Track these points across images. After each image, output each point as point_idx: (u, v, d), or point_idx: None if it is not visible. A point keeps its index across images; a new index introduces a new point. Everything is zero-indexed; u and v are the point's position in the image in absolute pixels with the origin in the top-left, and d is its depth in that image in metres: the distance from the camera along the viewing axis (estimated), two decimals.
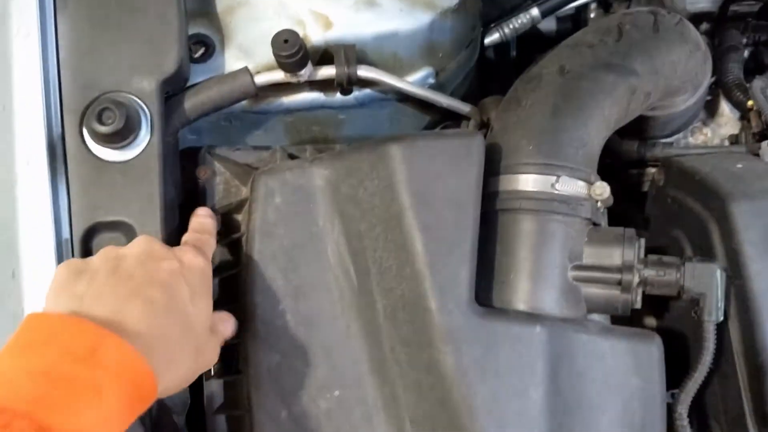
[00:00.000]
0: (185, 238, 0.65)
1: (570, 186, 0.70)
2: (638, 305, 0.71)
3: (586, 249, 0.70)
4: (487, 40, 1.09)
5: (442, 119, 0.88)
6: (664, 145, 0.98)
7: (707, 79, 0.88)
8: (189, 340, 0.55)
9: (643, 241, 0.72)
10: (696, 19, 1.09)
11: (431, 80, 0.82)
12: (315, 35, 0.74)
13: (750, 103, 0.92)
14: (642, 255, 0.71)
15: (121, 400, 0.47)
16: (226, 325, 0.64)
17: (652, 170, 1.03)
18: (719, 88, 0.99)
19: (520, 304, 0.68)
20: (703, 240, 0.82)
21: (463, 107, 0.82)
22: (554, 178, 0.70)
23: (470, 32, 0.85)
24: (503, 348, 0.63)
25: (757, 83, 0.87)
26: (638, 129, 0.98)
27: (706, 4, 1.16)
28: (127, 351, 0.47)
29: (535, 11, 1.10)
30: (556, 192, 0.70)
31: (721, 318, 0.70)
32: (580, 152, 0.71)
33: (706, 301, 0.69)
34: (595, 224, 0.73)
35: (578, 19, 1.21)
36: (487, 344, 0.63)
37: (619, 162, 1.05)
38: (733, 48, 0.99)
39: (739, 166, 0.84)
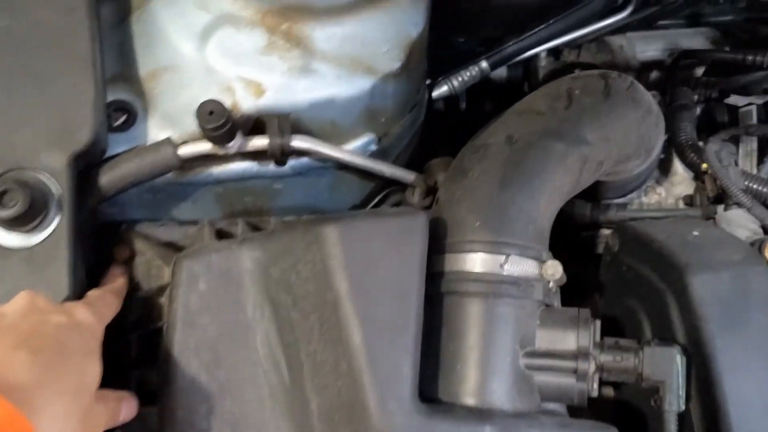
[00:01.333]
0: (88, 293, 0.61)
1: (520, 266, 0.65)
2: (595, 393, 0.66)
3: (539, 333, 0.66)
4: (436, 93, 1.05)
5: (387, 185, 0.83)
6: (617, 208, 0.94)
7: (660, 141, 0.85)
8: (77, 400, 0.51)
9: (598, 323, 0.68)
10: (646, 67, 1.07)
11: (373, 147, 0.77)
12: (246, 103, 0.69)
13: (704, 165, 0.89)
14: (598, 338, 0.67)
15: None
16: (123, 406, 0.58)
17: (606, 232, 0.99)
18: (672, 147, 0.96)
19: (469, 397, 0.63)
20: (660, 313, 0.79)
21: (407, 175, 0.77)
22: (503, 257, 0.65)
23: (414, 95, 0.81)
24: None
25: (711, 146, 0.85)
26: (590, 192, 0.95)
27: (656, 52, 1.15)
28: (5, 407, 0.43)
29: (484, 63, 1.08)
30: (505, 273, 0.65)
31: (683, 407, 0.65)
32: (530, 228, 0.67)
33: (666, 389, 0.65)
34: (547, 305, 0.68)
35: (529, 66, 1.20)
36: None
37: (571, 224, 1.02)
38: (685, 106, 0.97)
39: (696, 233, 0.81)
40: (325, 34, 0.70)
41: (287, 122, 0.68)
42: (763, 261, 0.77)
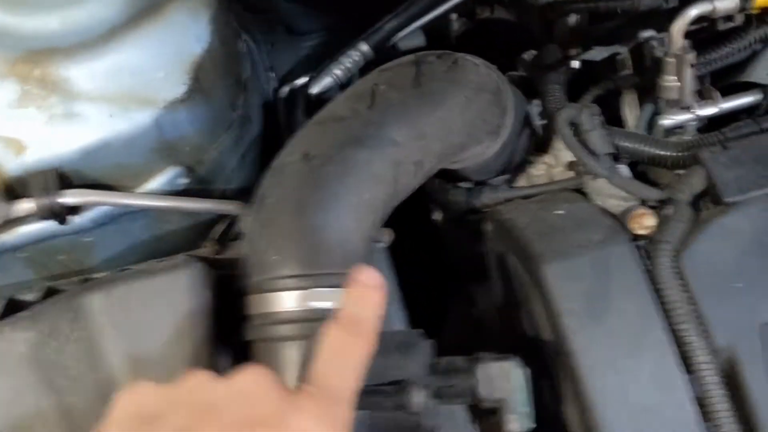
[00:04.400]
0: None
1: (324, 298, 0.60)
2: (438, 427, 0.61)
3: None
4: (317, 89, 1.00)
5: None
6: (491, 189, 0.89)
7: (511, 118, 0.79)
8: None
9: (428, 345, 0.62)
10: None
11: (181, 180, 0.71)
12: (7, 164, 0.64)
13: None
14: (431, 360, 0.62)
15: None
16: None
17: None
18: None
19: None
20: (528, 307, 0.74)
21: (224, 206, 0.72)
22: (309, 292, 0.60)
23: (226, 113, 0.75)
24: None
25: (563, 114, 0.79)
26: (461, 178, 0.90)
27: None
28: None
29: (364, 46, 1.02)
30: (314, 308, 0.60)
31: (529, 426, 0.60)
32: (338, 252, 0.62)
33: (505, 409, 0.60)
34: None
35: (442, 32, 1.13)
36: None
37: (450, 213, 0.97)
38: (551, 67, 0.90)
39: (561, 212, 0.76)
40: (85, 73, 0.64)
41: (53, 178, 0.63)
42: (624, 238, 0.72)
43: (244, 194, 0.73)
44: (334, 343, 0.50)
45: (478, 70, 0.74)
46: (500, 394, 0.61)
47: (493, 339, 0.95)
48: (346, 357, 0.49)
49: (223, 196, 0.81)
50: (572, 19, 0.97)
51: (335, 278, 0.61)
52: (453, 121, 0.70)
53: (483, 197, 0.90)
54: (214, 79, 0.72)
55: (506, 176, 0.95)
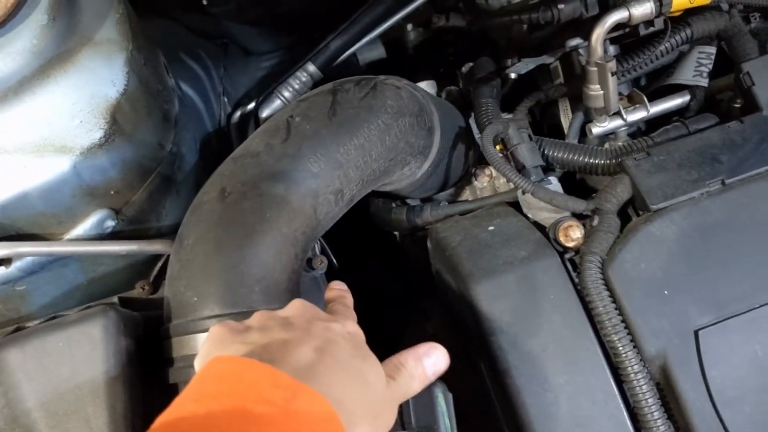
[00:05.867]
0: (334, 306, 0.61)
1: None
2: None
3: None
4: (267, 112, 1.01)
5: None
6: (432, 207, 0.90)
7: (437, 137, 0.80)
8: (368, 403, 0.50)
9: None
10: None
11: (110, 222, 0.72)
12: None
13: (498, 147, 0.84)
14: None
15: None
16: (433, 358, 0.56)
17: None
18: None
19: None
20: (462, 327, 0.75)
21: (152, 247, 0.72)
22: None
23: (155, 150, 0.76)
24: None
25: (489, 131, 0.79)
26: (400, 198, 0.91)
27: None
28: (323, 404, 0.45)
29: (311, 67, 1.03)
30: None
31: None
32: (257, 289, 0.63)
33: None
34: None
35: (398, 42, 1.14)
36: None
37: (395, 231, 0.97)
38: (483, 80, 0.91)
39: (491, 228, 0.76)
40: None
41: None
42: (551, 252, 0.72)
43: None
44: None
45: (398, 93, 0.75)
46: (428, 421, 0.61)
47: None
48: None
49: (157, 232, 0.81)
50: (513, 29, 0.97)
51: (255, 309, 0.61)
52: (371, 147, 0.70)
53: (423, 215, 0.91)
54: (136, 119, 0.73)
55: (450, 191, 0.96)
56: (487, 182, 0.97)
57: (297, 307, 0.56)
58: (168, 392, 0.62)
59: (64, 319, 0.59)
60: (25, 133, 0.66)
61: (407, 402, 0.61)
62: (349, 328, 0.56)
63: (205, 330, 0.60)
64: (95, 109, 0.69)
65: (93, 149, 0.69)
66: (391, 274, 1.12)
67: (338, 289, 0.65)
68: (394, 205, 0.94)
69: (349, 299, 0.64)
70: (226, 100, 1.10)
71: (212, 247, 0.63)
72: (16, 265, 0.71)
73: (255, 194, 0.65)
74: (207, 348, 0.51)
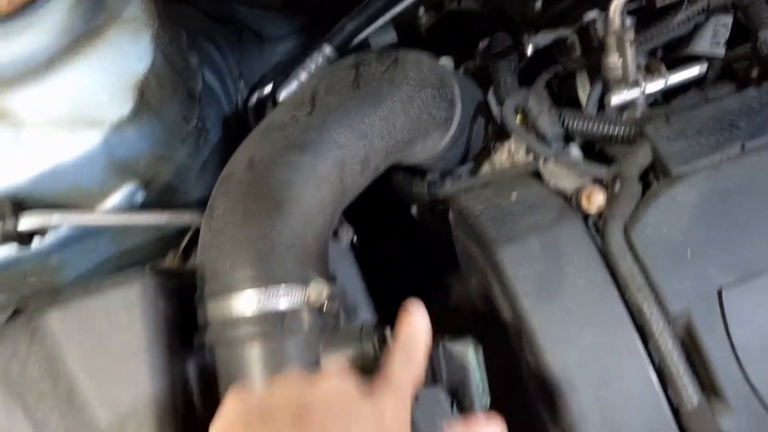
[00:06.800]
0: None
1: (278, 299, 0.62)
2: None
3: (324, 360, 0.63)
4: (284, 94, 1.02)
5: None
6: (453, 180, 0.91)
7: (459, 110, 0.81)
8: None
9: (388, 330, 0.64)
10: None
11: (140, 196, 0.74)
12: None
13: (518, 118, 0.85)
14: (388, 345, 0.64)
15: None
16: None
17: None
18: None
19: None
20: (488, 292, 0.76)
21: (182, 218, 0.74)
22: (263, 293, 0.62)
23: (181, 126, 0.78)
24: None
25: (508, 103, 0.81)
26: (421, 171, 0.92)
27: None
28: None
29: (327, 49, 1.04)
30: (264, 310, 0.62)
31: (487, 403, 0.62)
32: (288, 256, 0.64)
33: (466, 388, 0.62)
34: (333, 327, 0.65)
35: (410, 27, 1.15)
36: None
37: (417, 205, 0.99)
38: (501, 55, 0.92)
39: (514, 197, 0.78)
40: (29, 101, 0.67)
41: (8, 206, 0.66)
42: (575, 216, 0.74)
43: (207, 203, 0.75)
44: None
45: (419, 66, 0.76)
46: (459, 376, 0.63)
47: (469, 327, 0.97)
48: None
49: (185, 206, 0.83)
50: (529, 4, 0.98)
51: (286, 280, 0.63)
52: (395, 118, 0.72)
53: (445, 188, 0.92)
54: (162, 95, 0.74)
55: (469, 165, 0.97)
56: (507, 157, 0.98)
57: (331, 384, 0.53)
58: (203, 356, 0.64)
59: (101, 283, 0.61)
60: (57, 107, 0.68)
61: (438, 357, 0.62)
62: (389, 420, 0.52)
63: (239, 291, 0.62)
64: (124, 84, 0.71)
65: (122, 123, 0.71)
66: (413, 250, 1.13)
67: (410, 322, 0.59)
68: (414, 179, 0.95)
69: (423, 335, 0.59)
70: (242, 84, 1.12)
71: (242, 216, 0.65)
72: (49, 238, 0.72)
73: (283, 164, 0.66)
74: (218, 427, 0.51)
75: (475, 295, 0.88)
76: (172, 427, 0.58)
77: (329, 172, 0.68)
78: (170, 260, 0.78)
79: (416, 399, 0.78)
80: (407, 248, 1.15)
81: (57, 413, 0.59)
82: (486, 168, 0.99)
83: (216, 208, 0.67)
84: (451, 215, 0.89)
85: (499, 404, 0.64)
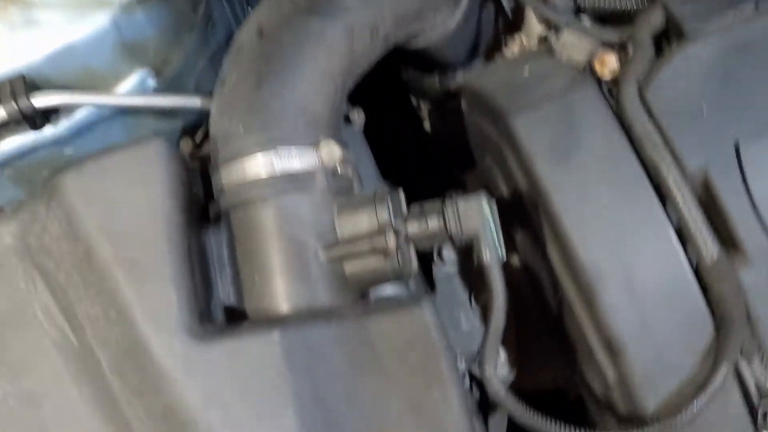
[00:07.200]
0: None
1: (291, 159, 0.63)
2: (414, 266, 0.64)
3: (338, 223, 0.64)
4: None
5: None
6: (465, 70, 0.91)
7: None
8: None
9: (401, 194, 0.65)
10: None
11: (151, 81, 0.75)
12: None
13: None
14: (403, 210, 0.64)
15: None
16: None
17: None
18: None
19: (278, 307, 0.61)
20: (504, 165, 0.76)
21: (195, 101, 0.75)
22: (271, 155, 0.63)
23: (189, 14, 0.78)
24: (239, 369, 0.56)
25: None
26: (433, 62, 0.92)
27: None
28: None
29: None
30: (278, 170, 0.63)
31: (504, 256, 0.63)
32: (300, 118, 0.65)
33: (480, 241, 0.62)
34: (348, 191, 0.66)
35: None
36: (218, 370, 0.56)
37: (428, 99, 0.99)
38: None
39: (526, 72, 0.78)
40: None
41: (20, 84, 0.67)
42: (589, 82, 0.74)
43: None
44: None
45: None
46: (470, 229, 0.63)
47: None
48: None
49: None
50: None
51: (297, 140, 0.63)
52: None
53: (457, 78, 0.92)
54: None
55: (480, 59, 0.97)
56: (518, 49, 0.97)
57: None
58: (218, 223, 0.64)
59: (116, 146, 0.61)
60: None
61: (454, 211, 0.63)
62: None
63: (252, 152, 0.63)
64: None
65: (131, 5, 0.72)
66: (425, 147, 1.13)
67: None
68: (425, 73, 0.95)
69: None
70: None
71: (254, 81, 0.65)
72: (63, 124, 0.73)
73: (291, 28, 0.66)
74: None
75: (490, 184, 0.87)
76: (188, 287, 0.59)
77: (339, 38, 0.68)
78: (185, 147, 0.78)
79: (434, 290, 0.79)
80: (420, 142, 1.15)
81: (76, 276, 0.60)
82: (497, 61, 0.99)
83: (228, 77, 0.67)
84: (463, 103, 0.89)
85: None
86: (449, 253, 0.84)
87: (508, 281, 0.86)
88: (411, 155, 1.11)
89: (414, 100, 1.13)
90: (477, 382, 0.81)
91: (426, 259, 0.84)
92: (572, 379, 0.85)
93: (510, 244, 0.87)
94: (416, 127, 1.12)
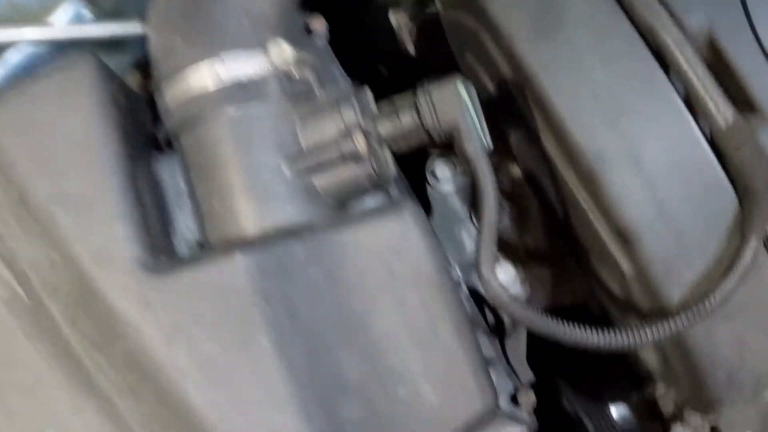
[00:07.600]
0: None
1: (238, 64, 0.56)
2: (391, 170, 0.57)
3: (301, 132, 0.57)
4: None
5: None
6: None
7: None
8: None
9: (367, 92, 0.58)
10: None
11: (86, 13, 0.68)
12: None
13: None
14: (372, 109, 0.57)
15: None
16: None
17: None
18: None
19: (242, 231, 0.54)
20: (485, 57, 0.69)
21: (130, 27, 0.68)
22: (215, 64, 0.56)
23: None
24: (202, 300, 0.50)
25: None
26: None
27: None
28: None
29: None
30: (225, 79, 0.56)
31: (490, 144, 0.56)
32: (243, 19, 0.58)
33: (460, 129, 0.55)
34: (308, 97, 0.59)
35: None
36: (179, 305, 0.50)
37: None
38: None
39: None
40: None
41: None
42: None
43: None
44: None
45: None
46: (448, 119, 0.56)
47: None
48: None
49: None
50: None
51: (243, 46, 0.56)
52: None
53: None
54: None
55: None
56: None
57: None
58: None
59: (40, 72, 0.55)
60: None
61: (428, 101, 0.56)
62: None
63: (196, 63, 0.56)
64: None
65: None
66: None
67: None
68: None
69: None
70: None
71: None
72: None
73: None
74: None
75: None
76: (137, 219, 0.53)
77: None
78: (133, 82, 0.71)
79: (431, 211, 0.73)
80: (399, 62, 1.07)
81: (13, 222, 0.53)
82: None
83: None
84: (439, 5, 0.81)
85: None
86: (443, 171, 0.78)
87: (512, 194, 0.80)
88: (390, 76, 1.04)
89: (393, 20, 1.05)
90: (489, 306, 0.76)
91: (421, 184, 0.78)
92: (592, 291, 0.78)
93: (507, 152, 0.80)
94: (394, 48, 1.05)
